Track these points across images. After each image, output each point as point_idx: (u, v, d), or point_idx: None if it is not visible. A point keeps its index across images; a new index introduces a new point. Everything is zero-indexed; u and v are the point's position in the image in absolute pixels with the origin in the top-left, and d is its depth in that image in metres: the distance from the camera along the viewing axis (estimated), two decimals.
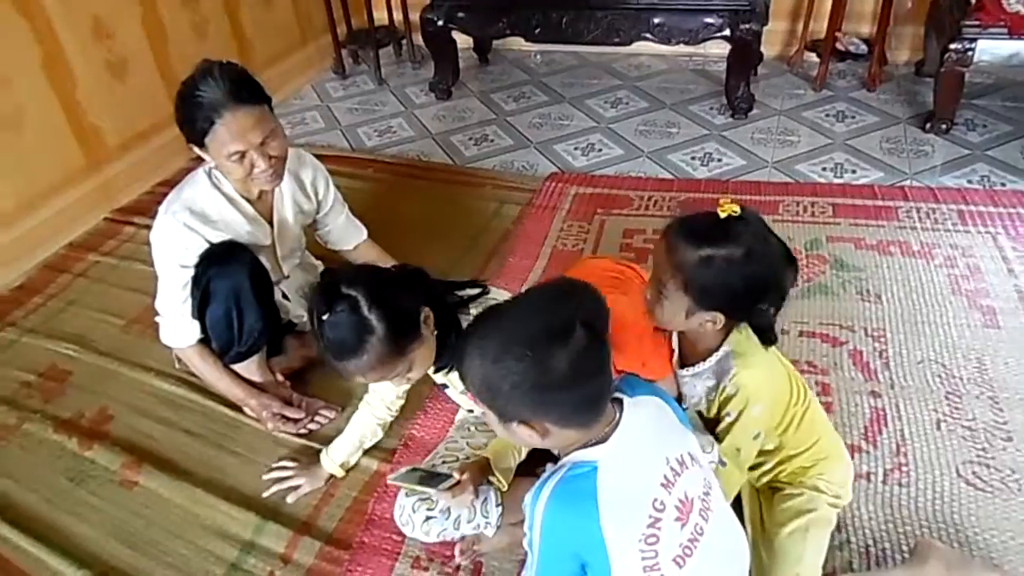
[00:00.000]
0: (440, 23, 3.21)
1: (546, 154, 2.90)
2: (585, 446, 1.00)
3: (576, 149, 2.92)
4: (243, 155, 1.51)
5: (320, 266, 2.01)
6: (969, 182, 2.48)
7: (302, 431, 1.74)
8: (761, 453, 1.32)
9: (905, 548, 1.36)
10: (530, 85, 3.53)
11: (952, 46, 2.57)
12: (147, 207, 2.60)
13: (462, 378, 1.06)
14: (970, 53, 2.57)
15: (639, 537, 0.98)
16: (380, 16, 3.68)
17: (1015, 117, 2.83)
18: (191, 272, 1.61)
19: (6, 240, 2.39)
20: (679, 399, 1.38)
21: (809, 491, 1.32)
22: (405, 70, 3.81)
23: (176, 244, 1.59)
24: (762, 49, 3.16)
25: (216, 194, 1.63)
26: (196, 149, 1.54)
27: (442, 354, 1.36)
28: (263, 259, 1.71)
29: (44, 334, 2.13)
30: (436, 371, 1.43)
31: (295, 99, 3.55)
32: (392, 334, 1.24)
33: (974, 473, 1.49)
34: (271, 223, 1.74)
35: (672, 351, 1.38)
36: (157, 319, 1.71)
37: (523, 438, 1.02)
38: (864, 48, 3.33)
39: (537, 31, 3.07)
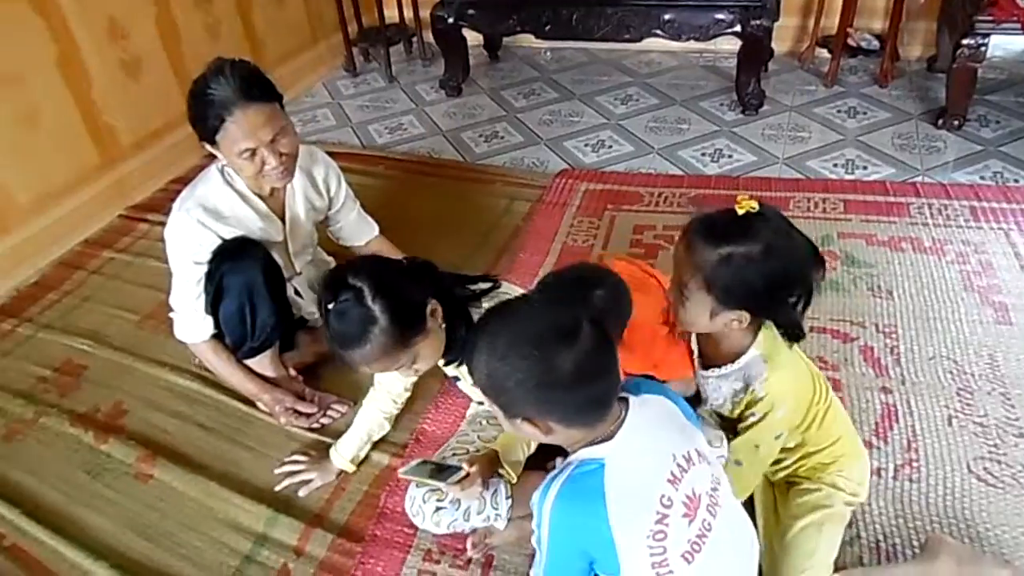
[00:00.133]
0: (450, 20, 3.22)
1: (556, 151, 2.91)
2: (592, 443, 1.01)
3: (586, 146, 2.93)
4: (254, 152, 1.52)
5: (332, 262, 2.02)
6: (982, 178, 2.47)
7: (314, 425, 1.76)
8: (782, 450, 1.31)
9: (916, 544, 1.36)
10: (540, 82, 3.54)
11: (965, 41, 2.55)
12: (161, 204, 2.63)
13: (470, 372, 1.07)
14: (983, 49, 2.55)
15: (647, 533, 0.98)
16: (391, 14, 3.69)
17: None
18: (204, 268, 1.63)
19: (22, 237, 2.42)
20: (696, 399, 1.39)
21: (827, 487, 1.31)
22: (416, 67, 3.82)
23: (190, 241, 1.61)
24: (773, 45, 3.13)
25: (229, 191, 1.64)
26: (208, 147, 1.56)
27: (452, 347, 1.37)
28: (275, 255, 1.72)
29: (60, 330, 2.15)
30: (447, 364, 1.44)
31: (306, 97, 3.57)
32: (395, 325, 1.25)
33: (985, 469, 1.49)
34: (283, 220, 1.75)
35: (691, 352, 1.38)
36: (171, 315, 1.73)
37: (527, 434, 1.03)
38: (876, 44, 3.31)
39: (547, 28, 3.08)
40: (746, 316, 1.17)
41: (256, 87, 1.50)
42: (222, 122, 1.47)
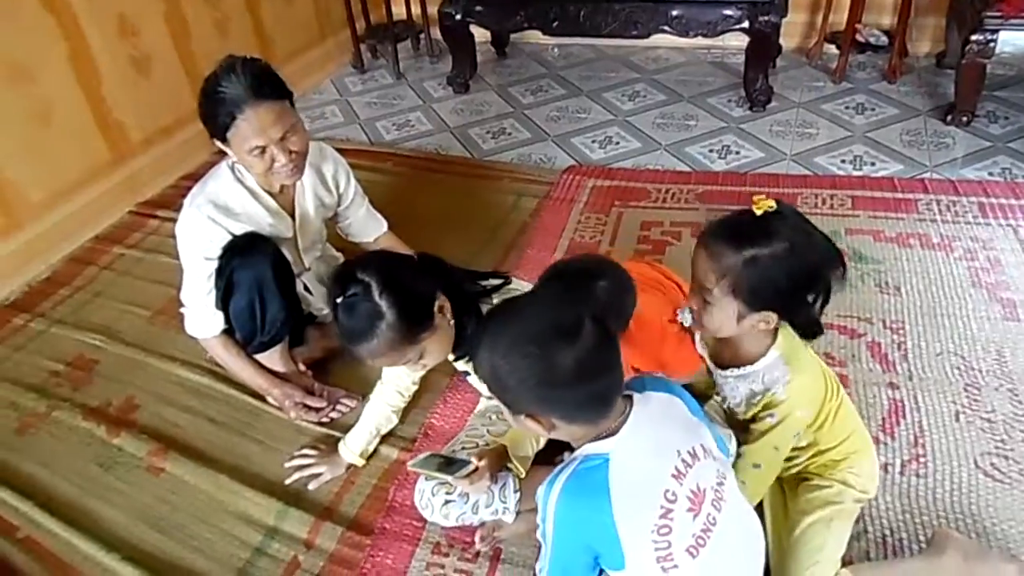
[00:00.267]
0: (458, 17, 3.22)
1: (564, 147, 2.91)
2: (596, 439, 1.02)
3: (593, 142, 2.93)
4: (264, 150, 1.53)
5: (341, 258, 2.03)
6: (990, 174, 2.46)
7: (324, 420, 1.77)
8: (794, 449, 1.31)
9: (922, 538, 1.37)
10: (547, 78, 3.54)
11: (973, 37, 2.54)
12: (171, 201, 2.66)
13: (475, 369, 1.09)
14: (992, 44, 2.54)
15: (651, 528, 0.99)
16: (398, 11, 3.70)
17: None
18: (215, 264, 1.64)
19: (34, 233, 2.44)
20: (701, 397, 1.39)
21: (838, 484, 1.31)
22: (423, 64, 3.83)
23: (200, 237, 1.62)
24: (781, 41, 3.14)
25: (239, 188, 1.66)
26: (219, 144, 1.57)
27: (462, 342, 1.39)
28: (285, 251, 1.74)
29: (72, 325, 2.18)
30: (457, 359, 1.45)
31: (315, 93, 3.59)
32: (403, 321, 1.26)
33: (992, 464, 1.49)
34: (293, 216, 1.76)
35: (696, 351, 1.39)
36: (182, 310, 1.75)
37: (531, 430, 1.04)
38: (884, 40, 3.30)
39: (555, 24, 3.08)
40: (773, 317, 1.16)
41: (267, 85, 1.51)
42: (233, 120, 1.48)
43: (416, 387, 1.65)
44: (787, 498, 1.36)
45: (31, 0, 2.31)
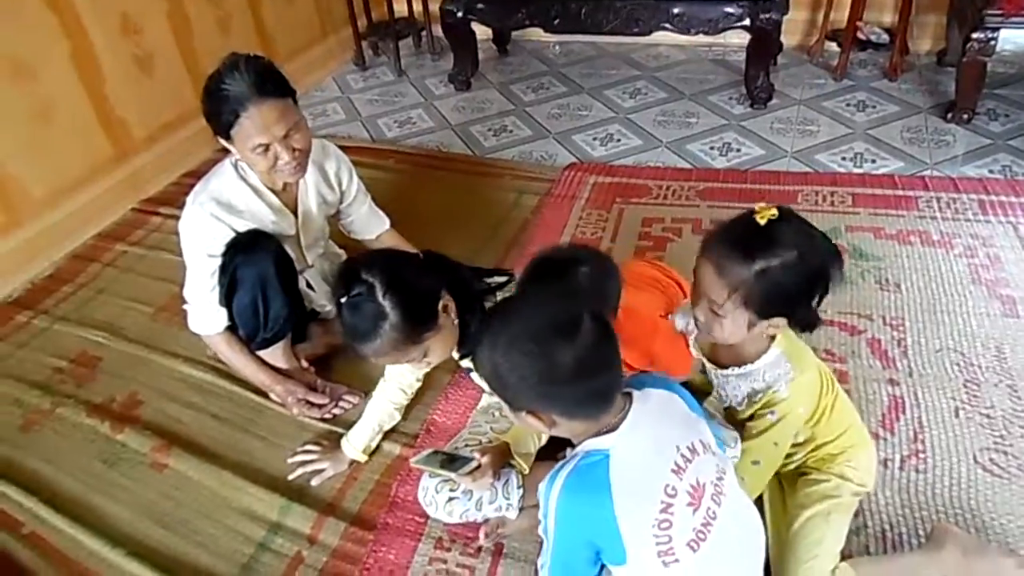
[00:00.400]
0: (459, 14, 3.23)
1: (565, 144, 2.92)
2: (597, 435, 1.03)
3: (595, 139, 2.93)
4: (267, 148, 1.54)
5: (343, 255, 2.04)
6: (990, 172, 2.47)
7: (326, 416, 1.78)
8: (793, 445, 1.32)
9: (922, 533, 1.37)
10: (549, 76, 3.54)
11: (974, 35, 2.55)
12: (173, 198, 2.66)
13: (476, 367, 1.09)
14: (992, 42, 2.55)
15: (652, 523, 1.00)
16: (400, 8, 3.71)
17: None
18: (218, 261, 1.65)
19: (36, 230, 2.44)
20: (703, 393, 1.40)
21: (836, 478, 1.32)
22: (424, 61, 3.83)
23: (204, 234, 1.63)
24: (782, 39, 3.14)
25: (242, 185, 1.66)
26: (222, 141, 1.58)
27: (466, 340, 1.39)
28: (288, 249, 1.74)
29: (75, 322, 2.18)
30: (461, 357, 1.46)
31: (316, 91, 3.59)
32: (406, 321, 1.27)
33: (991, 460, 1.50)
34: (296, 214, 1.77)
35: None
36: (185, 307, 1.75)
37: (532, 426, 1.05)
38: (885, 37, 3.30)
39: (556, 22, 3.08)
40: (783, 321, 1.16)
41: (270, 83, 1.51)
42: (236, 117, 1.49)
43: (420, 383, 1.65)
44: (786, 493, 1.37)
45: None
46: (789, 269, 1.09)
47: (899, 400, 1.65)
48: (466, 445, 1.48)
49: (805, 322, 1.18)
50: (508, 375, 0.99)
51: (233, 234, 1.64)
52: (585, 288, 1.32)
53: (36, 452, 1.77)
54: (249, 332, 1.74)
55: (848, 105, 2.99)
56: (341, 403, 1.80)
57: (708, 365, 1.33)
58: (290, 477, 1.64)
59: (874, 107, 2.96)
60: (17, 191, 2.38)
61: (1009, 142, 2.62)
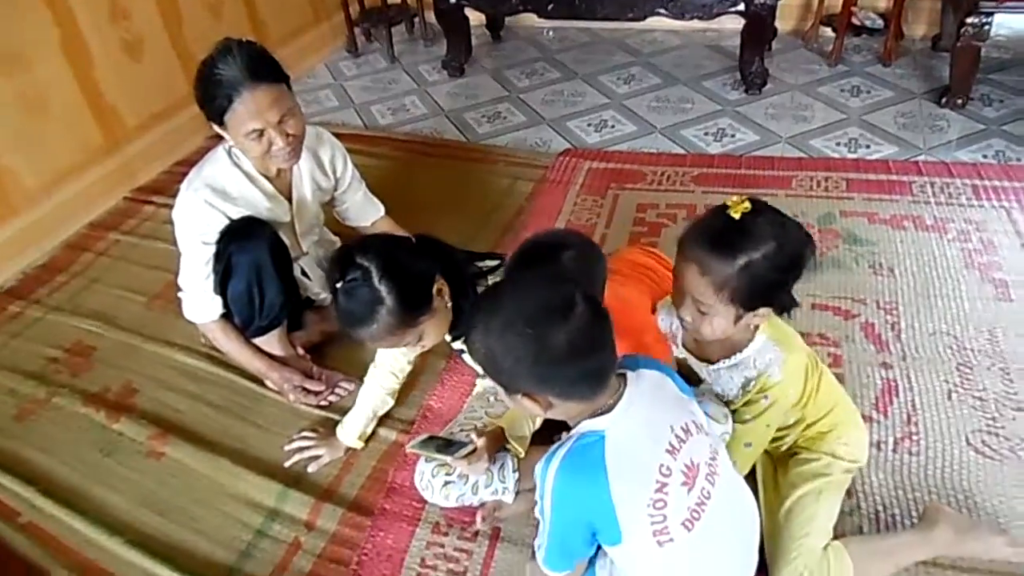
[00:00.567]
0: (452, 0, 3.20)
1: (559, 131, 2.91)
2: (592, 416, 1.03)
3: (589, 125, 2.93)
4: (261, 133, 1.53)
5: (338, 242, 2.04)
6: (984, 157, 2.47)
7: (322, 403, 1.78)
8: (784, 428, 1.33)
9: (914, 514, 1.39)
10: (543, 62, 3.53)
11: (969, 20, 2.54)
12: (166, 186, 2.65)
13: (469, 351, 1.10)
14: (987, 27, 2.55)
15: (647, 502, 1.01)
16: None
17: None
18: (213, 248, 1.64)
19: (29, 220, 2.43)
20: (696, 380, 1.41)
21: (827, 456, 1.33)
22: (417, 48, 3.81)
23: (198, 221, 1.63)
24: (777, 24, 3.14)
25: (236, 172, 1.66)
26: (216, 127, 1.57)
27: (459, 322, 1.40)
28: (282, 236, 1.74)
29: (69, 311, 2.18)
30: (454, 339, 1.46)
31: (308, 78, 3.57)
32: (402, 305, 1.27)
33: (983, 442, 1.51)
34: (290, 200, 1.77)
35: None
36: (180, 295, 1.75)
37: (528, 409, 1.05)
38: (880, 22, 3.30)
39: (550, 7, 3.07)
40: (768, 310, 1.18)
41: (264, 67, 1.51)
42: (230, 103, 1.48)
43: (411, 368, 1.65)
44: (778, 473, 1.38)
45: None
46: (770, 259, 1.11)
47: (892, 383, 1.66)
48: (461, 430, 1.48)
49: (785, 306, 1.19)
50: (503, 358, 1.00)
51: (227, 221, 1.63)
52: (571, 271, 1.32)
53: (32, 442, 1.77)
54: (244, 320, 1.74)
55: (842, 90, 2.99)
56: (337, 390, 1.80)
57: (698, 363, 1.34)
58: (287, 464, 1.64)
59: (868, 92, 2.96)
60: (9, 181, 2.36)
61: (1003, 127, 2.63)
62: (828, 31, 3.32)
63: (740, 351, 1.25)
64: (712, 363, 1.30)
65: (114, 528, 1.54)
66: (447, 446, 1.35)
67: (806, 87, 3.05)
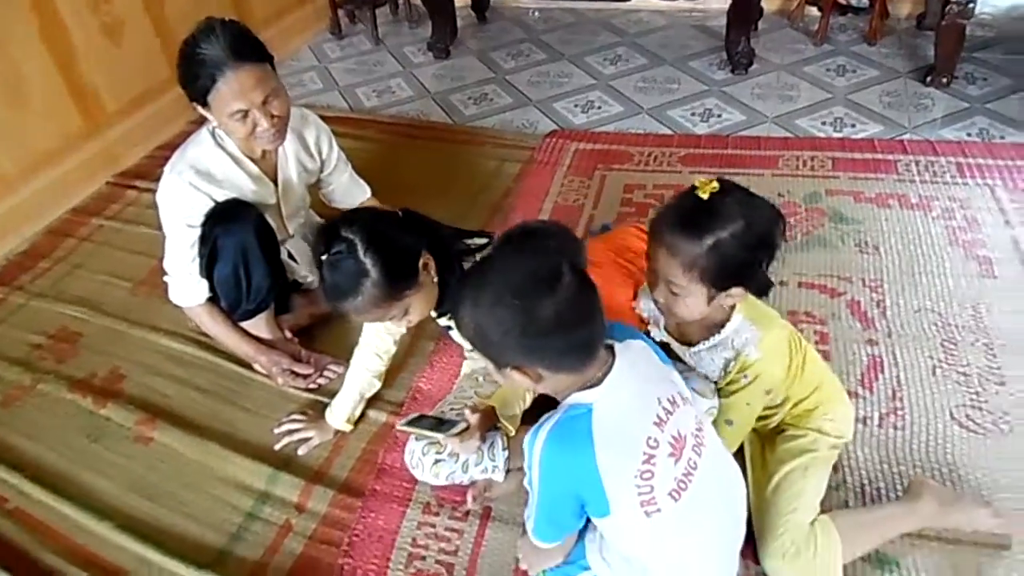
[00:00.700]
0: None
1: (546, 112, 2.90)
2: (581, 389, 1.04)
3: (576, 106, 2.92)
4: (246, 114, 1.51)
5: None
6: (968, 135, 2.49)
7: (311, 386, 1.78)
8: (770, 407, 1.35)
9: (899, 488, 1.41)
10: (528, 43, 3.51)
11: None
12: (148, 171, 2.62)
13: (457, 326, 1.10)
14: (971, 6, 2.56)
15: (634, 473, 1.01)
16: None
17: (1015, 70, 2.82)
18: (198, 231, 1.63)
19: (9, 206, 2.40)
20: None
21: (813, 432, 1.35)
22: (402, 30, 3.77)
23: (182, 203, 1.61)
24: (762, 3, 3.13)
25: (220, 153, 1.64)
26: (199, 108, 1.55)
27: (445, 299, 1.40)
28: (268, 218, 1.72)
29: (52, 297, 2.16)
30: (439, 316, 1.47)
31: (292, 60, 3.53)
32: (387, 278, 1.27)
33: (967, 416, 1.53)
34: (275, 182, 1.75)
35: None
36: (165, 279, 1.73)
37: (518, 382, 1.05)
38: (865, 2, 3.30)
39: None
40: (740, 291, 1.19)
41: (247, 47, 1.49)
42: (213, 82, 1.46)
43: (396, 349, 1.64)
44: (765, 450, 1.40)
45: None
46: (738, 238, 1.12)
47: (878, 360, 1.68)
48: (451, 410, 1.49)
49: (759, 286, 1.20)
50: (491, 331, 1.00)
51: (212, 203, 1.61)
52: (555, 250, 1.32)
53: (18, 428, 1.76)
54: (231, 303, 1.73)
55: (828, 70, 3.00)
56: (326, 373, 1.80)
57: (680, 347, 1.35)
58: (276, 447, 1.64)
59: (854, 72, 2.96)
60: None
61: (987, 105, 2.64)
62: (814, 10, 3.32)
63: (719, 331, 1.26)
64: (693, 346, 1.31)
65: (103, 513, 1.53)
66: (438, 424, 1.35)
67: (792, 67, 3.05)
